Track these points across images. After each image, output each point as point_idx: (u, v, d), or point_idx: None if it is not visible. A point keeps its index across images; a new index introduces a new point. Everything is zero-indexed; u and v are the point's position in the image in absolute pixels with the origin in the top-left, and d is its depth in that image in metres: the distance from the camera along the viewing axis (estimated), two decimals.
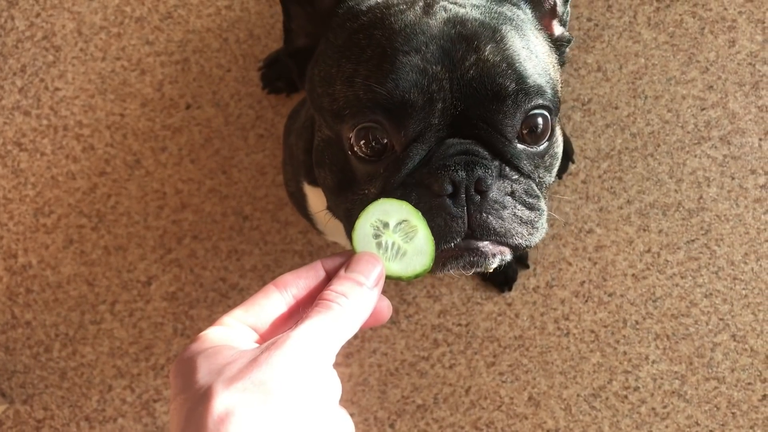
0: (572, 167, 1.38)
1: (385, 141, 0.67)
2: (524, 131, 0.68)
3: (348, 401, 1.34)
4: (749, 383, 1.33)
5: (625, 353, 1.34)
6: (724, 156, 1.39)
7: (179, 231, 1.40)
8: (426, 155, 0.65)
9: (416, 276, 0.60)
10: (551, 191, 1.37)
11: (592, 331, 1.35)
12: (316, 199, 0.96)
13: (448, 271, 0.68)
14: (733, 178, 1.38)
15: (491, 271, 0.70)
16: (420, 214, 0.61)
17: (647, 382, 1.33)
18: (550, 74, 0.72)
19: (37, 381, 1.38)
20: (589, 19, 1.44)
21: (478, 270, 0.68)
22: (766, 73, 1.41)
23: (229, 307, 1.36)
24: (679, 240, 1.37)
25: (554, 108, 0.71)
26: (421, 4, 0.71)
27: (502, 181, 0.66)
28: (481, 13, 0.69)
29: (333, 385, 0.52)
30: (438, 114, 0.65)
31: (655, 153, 1.39)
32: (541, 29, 0.77)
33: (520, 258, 1.34)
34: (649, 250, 1.37)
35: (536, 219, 0.69)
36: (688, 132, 1.40)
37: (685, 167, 1.39)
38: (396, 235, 0.60)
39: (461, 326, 1.36)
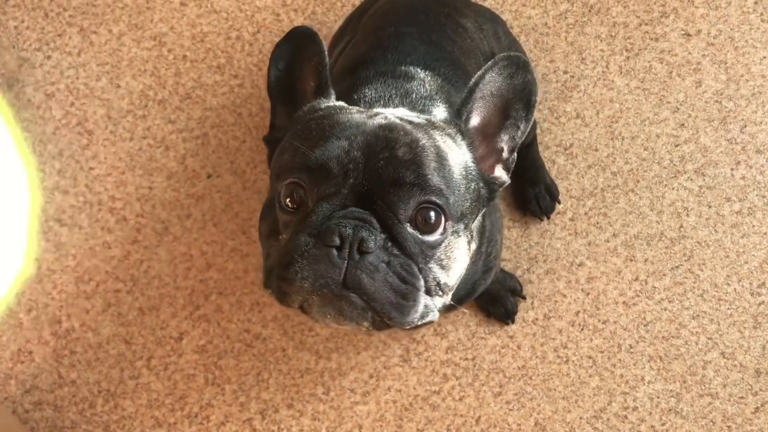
0: (560, 207, 1.50)
1: (303, 199, 0.83)
2: (418, 218, 0.82)
3: None
4: (741, 397, 1.41)
5: (621, 376, 1.44)
6: (700, 187, 1.51)
7: (206, 289, 1.54)
8: (330, 214, 0.80)
9: None
10: (541, 230, 1.49)
11: (590, 357, 1.45)
12: None
13: (326, 317, 0.82)
14: (710, 207, 1.49)
15: (366, 329, 0.83)
16: None
17: (645, 401, 1.42)
18: (460, 193, 0.84)
19: None
20: (565, 72, 1.58)
21: (351, 325, 0.82)
22: (732, 108, 1.54)
23: (254, 356, 1.49)
24: (664, 267, 1.47)
25: (452, 217, 0.83)
26: (371, 112, 0.88)
27: (383, 252, 0.80)
28: (413, 127, 0.85)
29: None
30: (348, 187, 0.80)
31: (635, 188, 1.51)
32: (474, 163, 0.90)
33: (514, 290, 1.44)
34: (637, 279, 1.47)
35: (408, 293, 0.80)
36: (665, 167, 1.52)
37: (665, 199, 1.50)
38: None
39: (468, 360, 1.46)
